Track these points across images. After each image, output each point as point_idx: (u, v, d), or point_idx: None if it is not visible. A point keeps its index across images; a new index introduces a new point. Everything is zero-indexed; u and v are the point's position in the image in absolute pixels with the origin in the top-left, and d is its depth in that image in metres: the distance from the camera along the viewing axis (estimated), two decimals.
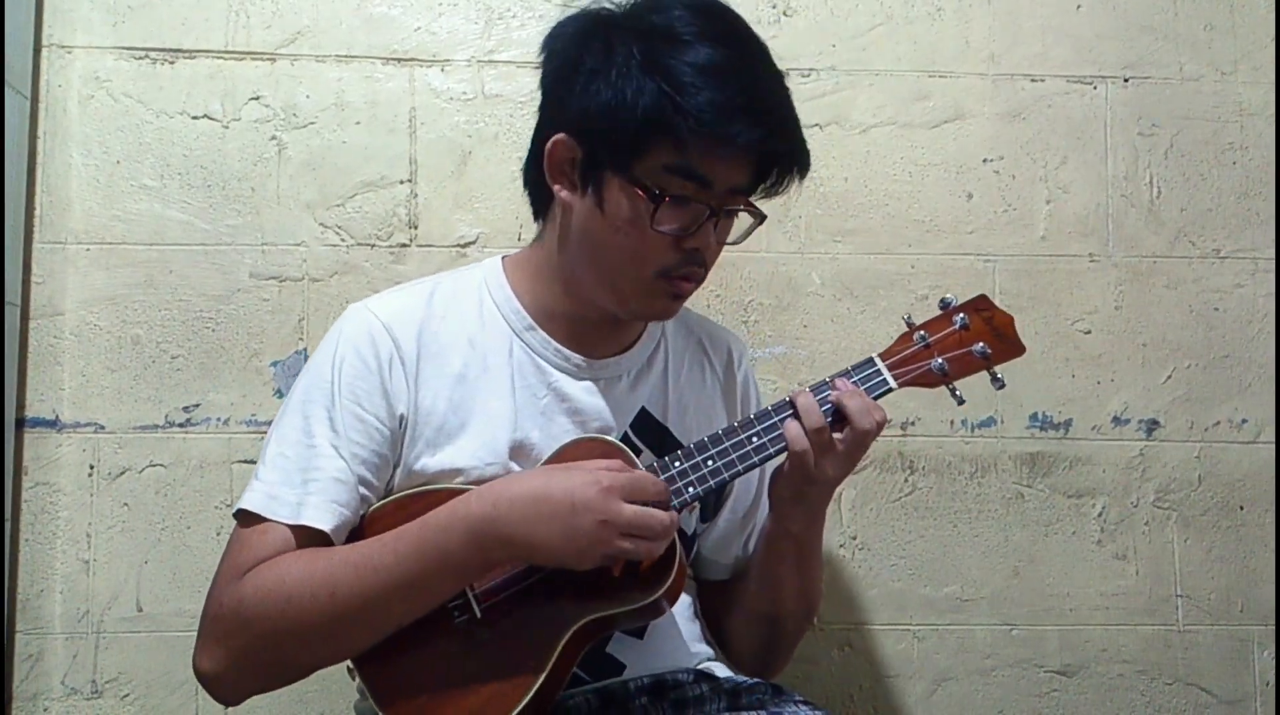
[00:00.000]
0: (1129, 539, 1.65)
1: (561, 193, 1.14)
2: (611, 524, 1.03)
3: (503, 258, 1.25)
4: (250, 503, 1.10)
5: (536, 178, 1.18)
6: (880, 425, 1.12)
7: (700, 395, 1.28)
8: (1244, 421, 1.67)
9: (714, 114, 1.05)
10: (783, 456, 1.13)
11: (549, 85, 1.17)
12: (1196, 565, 1.65)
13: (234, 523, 1.12)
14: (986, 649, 1.62)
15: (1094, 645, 1.63)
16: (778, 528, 1.20)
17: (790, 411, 1.12)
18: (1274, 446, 1.66)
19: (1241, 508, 1.66)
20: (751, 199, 1.16)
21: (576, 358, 1.19)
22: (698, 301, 1.60)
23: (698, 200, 1.09)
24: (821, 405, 1.12)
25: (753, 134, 1.06)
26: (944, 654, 1.62)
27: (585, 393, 1.19)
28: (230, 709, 1.52)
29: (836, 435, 1.11)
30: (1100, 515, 1.65)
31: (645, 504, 1.05)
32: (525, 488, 1.06)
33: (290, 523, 1.08)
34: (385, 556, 1.05)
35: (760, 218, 1.17)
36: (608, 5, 1.15)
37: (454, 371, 1.16)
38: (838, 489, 1.20)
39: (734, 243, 1.18)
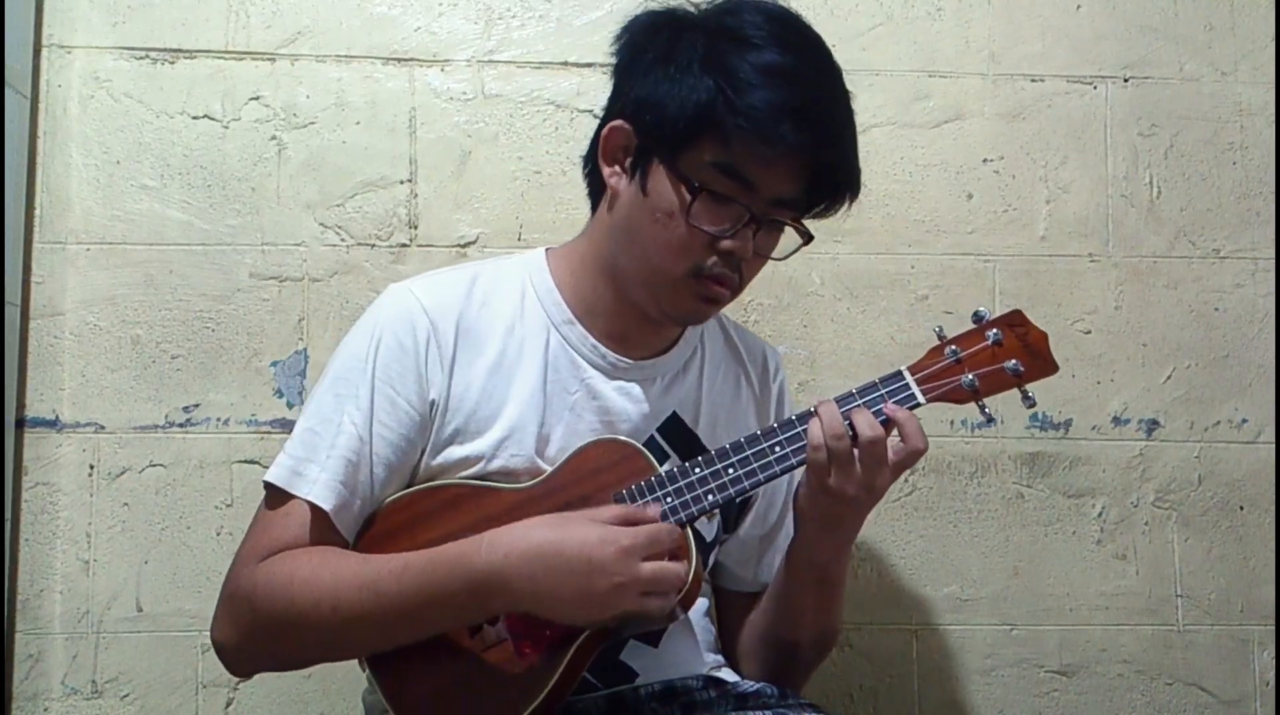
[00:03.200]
0: (1129, 539, 1.65)
1: (611, 178, 1.14)
2: (630, 586, 1.01)
3: (546, 249, 1.25)
4: (274, 476, 1.12)
5: (594, 165, 1.18)
6: (919, 454, 1.10)
7: (734, 404, 1.27)
8: (1244, 421, 1.67)
9: (763, 113, 1.05)
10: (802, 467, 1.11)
11: (617, 74, 1.17)
12: (1196, 565, 1.65)
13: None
14: (986, 649, 1.62)
15: (1094, 645, 1.63)
16: (802, 554, 1.18)
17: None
18: (1274, 446, 1.66)
19: (1242, 508, 1.66)
20: (801, 218, 1.14)
21: (613, 356, 1.19)
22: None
23: (739, 202, 1.09)
24: (844, 418, 1.09)
25: (800, 138, 1.06)
26: (944, 654, 1.62)
27: (617, 392, 1.19)
28: (230, 710, 1.53)
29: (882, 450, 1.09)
30: (1100, 515, 1.65)
31: (661, 556, 1.03)
32: (537, 543, 1.03)
33: (306, 498, 1.09)
34: (389, 585, 1.04)
35: (807, 237, 1.15)
36: (688, 5, 1.15)
37: (489, 360, 1.16)
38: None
39: (778, 258, 1.17)
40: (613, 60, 1.18)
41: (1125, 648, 1.63)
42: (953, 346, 1.14)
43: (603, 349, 1.19)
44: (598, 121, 1.19)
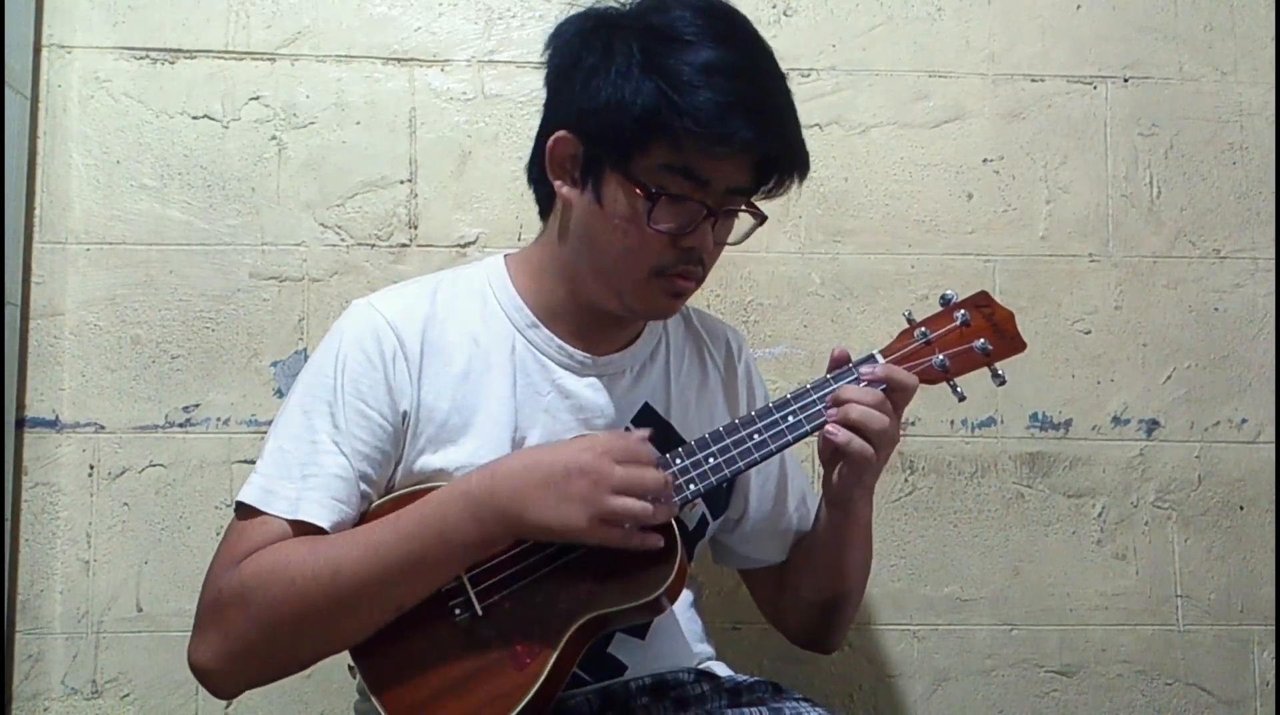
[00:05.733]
0: (1129, 539, 1.65)
1: (563, 189, 1.15)
2: (603, 483, 1.03)
3: (505, 256, 1.25)
4: (247, 496, 1.10)
5: (539, 175, 1.18)
6: (914, 388, 1.13)
7: (702, 390, 1.28)
8: (1244, 421, 1.67)
9: (711, 113, 1.05)
10: (785, 450, 1.14)
11: (552, 82, 1.18)
12: (1196, 565, 1.65)
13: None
14: (986, 649, 1.62)
15: (1094, 645, 1.63)
16: (843, 518, 1.20)
17: (794, 407, 1.13)
18: (1274, 446, 1.66)
19: (1241, 508, 1.66)
20: (752, 200, 1.16)
21: (580, 354, 1.20)
22: (698, 300, 1.60)
23: (695, 199, 1.10)
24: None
25: (749, 133, 1.06)
26: (944, 654, 1.62)
27: (589, 389, 1.19)
28: (230, 711, 1.53)
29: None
30: (1100, 515, 1.65)
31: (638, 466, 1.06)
32: (521, 460, 1.08)
33: (288, 517, 1.08)
34: (386, 534, 1.06)
35: (761, 219, 1.17)
36: (612, 4, 1.16)
37: (457, 369, 1.16)
38: None
39: (734, 243, 1.18)
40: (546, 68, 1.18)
41: (1125, 648, 1.63)
42: (922, 328, 1.17)
43: (569, 348, 1.19)
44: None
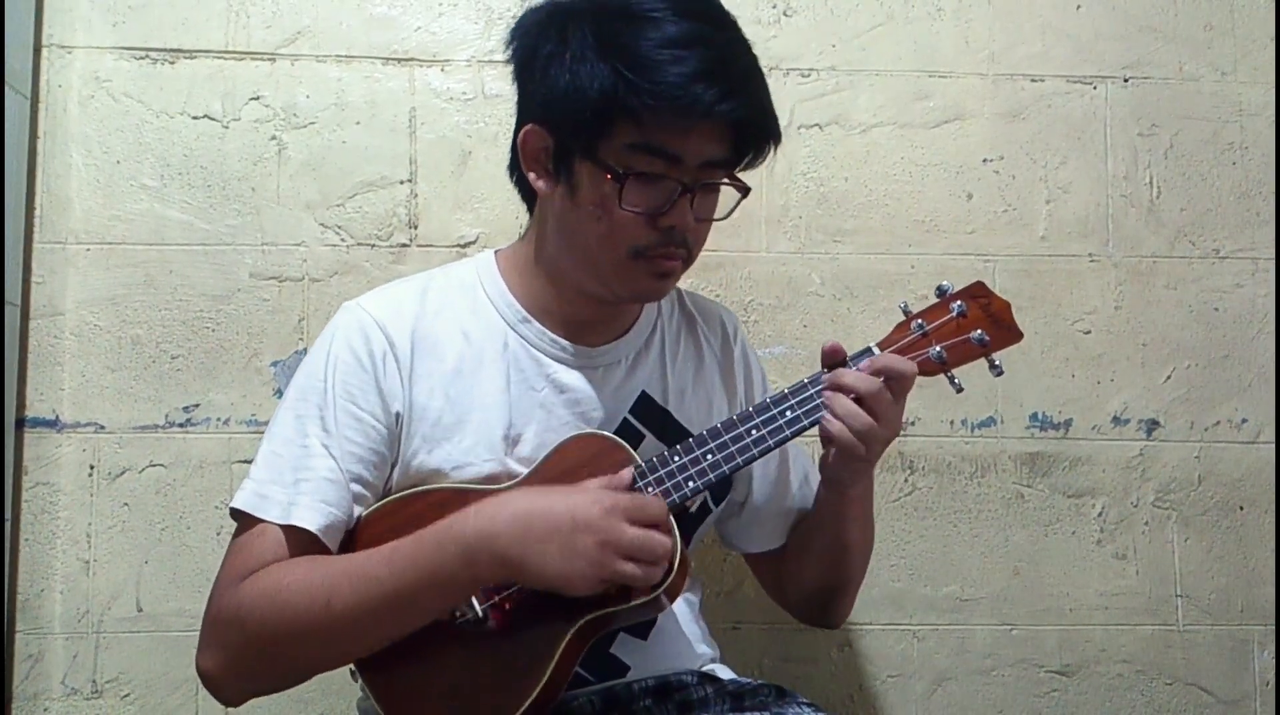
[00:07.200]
0: (1129, 539, 1.65)
1: (538, 183, 1.14)
2: (612, 545, 1.01)
3: (495, 252, 1.25)
4: (241, 501, 1.10)
5: (519, 172, 1.18)
6: (913, 377, 1.12)
7: (699, 374, 1.28)
8: (1244, 421, 1.67)
9: (669, 86, 1.04)
10: (782, 446, 1.13)
11: (517, 76, 1.17)
12: (1196, 565, 1.65)
13: (234, 523, 1.13)
14: (986, 649, 1.62)
15: (1094, 645, 1.63)
16: (838, 496, 1.20)
17: (792, 402, 1.13)
18: (1274, 446, 1.67)
19: (1241, 508, 1.66)
20: (734, 173, 1.14)
21: (573, 347, 1.19)
22: None
23: (668, 177, 1.08)
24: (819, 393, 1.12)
25: (711, 100, 1.04)
26: (944, 654, 1.62)
27: (583, 381, 1.19)
28: (231, 710, 1.53)
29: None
30: (1100, 515, 1.65)
31: (647, 526, 1.04)
32: (524, 505, 1.04)
33: (280, 523, 1.08)
34: (380, 569, 1.04)
35: (744, 191, 1.15)
36: None
37: (449, 367, 1.16)
38: None
39: (720, 219, 1.16)
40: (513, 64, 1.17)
41: (1125, 648, 1.63)
42: (919, 321, 1.16)
43: (562, 342, 1.19)
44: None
